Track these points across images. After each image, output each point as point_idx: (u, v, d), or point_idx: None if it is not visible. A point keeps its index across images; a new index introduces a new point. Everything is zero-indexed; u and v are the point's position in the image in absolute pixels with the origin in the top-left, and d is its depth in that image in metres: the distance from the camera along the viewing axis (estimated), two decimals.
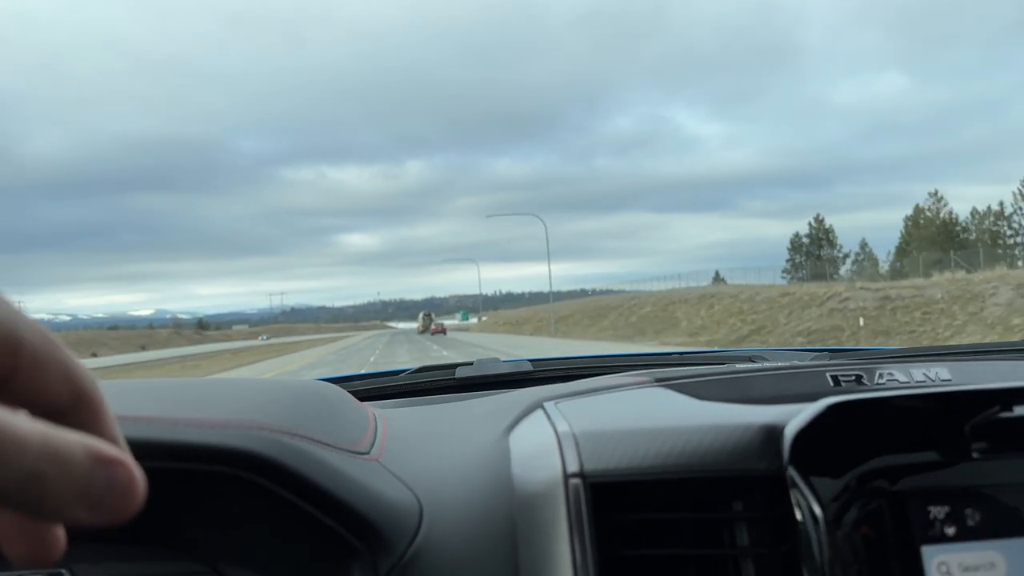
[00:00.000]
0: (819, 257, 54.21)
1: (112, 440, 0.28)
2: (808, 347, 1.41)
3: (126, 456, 0.26)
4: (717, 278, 49.78)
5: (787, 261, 57.88)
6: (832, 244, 57.48)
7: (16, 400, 0.26)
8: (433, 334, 60.56)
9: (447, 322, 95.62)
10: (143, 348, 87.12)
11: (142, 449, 0.47)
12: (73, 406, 0.28)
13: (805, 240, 58.28)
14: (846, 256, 56.07)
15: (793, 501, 0.53)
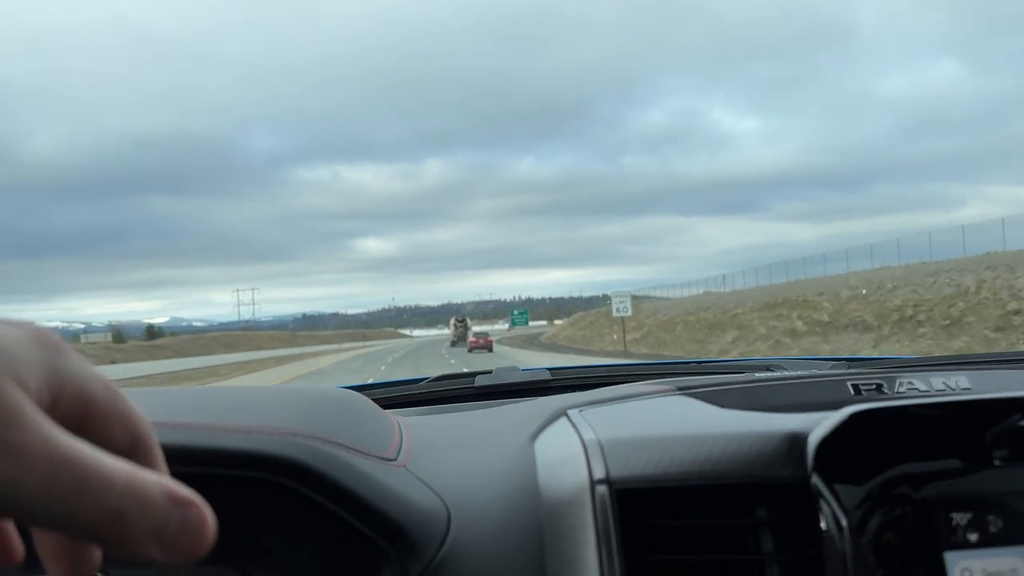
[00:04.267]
0: None
1: None
2: (827, 356, 1.42)
3: (199, 498, 0.28)
4: None
5: None
6: None
7: None
8: (472, 350, 40.55)
9: (484, 329, 62.99)
10: None
11: (180, 454, 0.48)
12: (131, 451, 0.30)
13: None
14: None
15: (818, 508, 0.54)
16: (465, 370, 1.38)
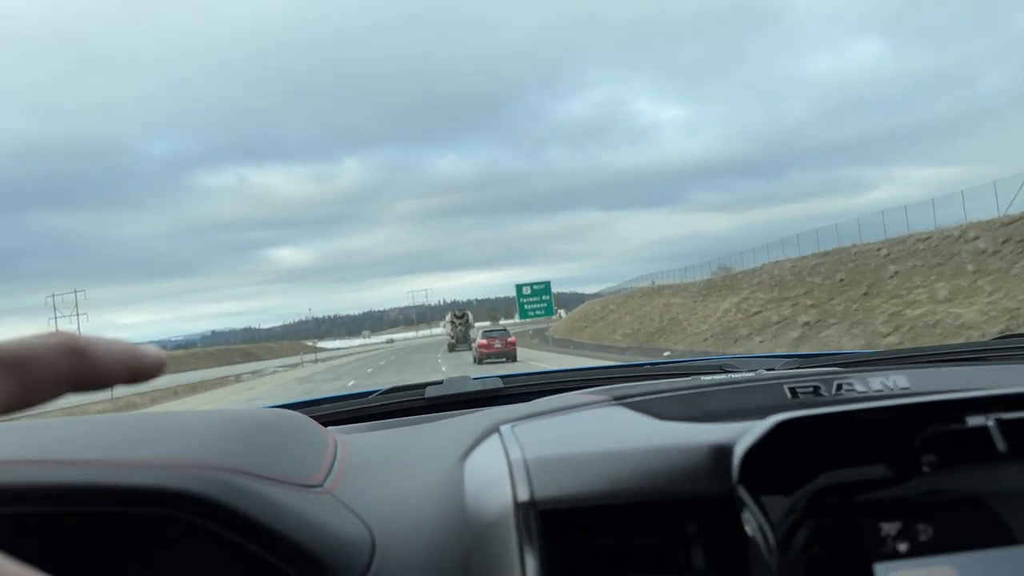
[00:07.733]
0: None
1: None
2: (780, 353, 1.40)
3: None
4: None
5: None
6: None
7: None
8: (482, 360, 26.46)
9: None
10: None
11: (78, 494, 0.47)
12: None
13: None
14: None
15: (744, 522, 0.53)
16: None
